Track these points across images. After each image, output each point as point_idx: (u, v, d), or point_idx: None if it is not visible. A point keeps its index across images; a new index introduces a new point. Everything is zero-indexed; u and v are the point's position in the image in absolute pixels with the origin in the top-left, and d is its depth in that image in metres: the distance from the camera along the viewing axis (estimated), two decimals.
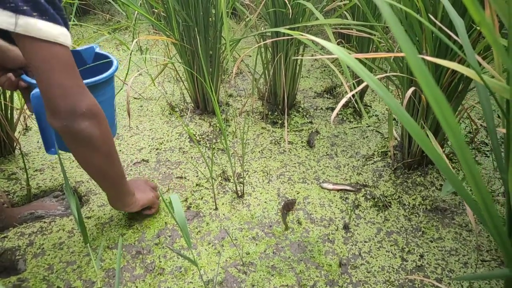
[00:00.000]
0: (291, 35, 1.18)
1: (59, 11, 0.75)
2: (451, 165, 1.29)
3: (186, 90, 1.58)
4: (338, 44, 1.60)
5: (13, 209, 1.07)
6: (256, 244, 1.02)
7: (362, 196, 1.19)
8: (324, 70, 1.98)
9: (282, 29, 1.16)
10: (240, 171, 1.27)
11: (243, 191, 1.18)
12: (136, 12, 1.68)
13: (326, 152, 1.38)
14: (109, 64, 1.04)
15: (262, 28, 1.76)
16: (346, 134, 1.49)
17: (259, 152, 1.38)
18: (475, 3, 0.41)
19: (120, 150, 1.37)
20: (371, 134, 1.49)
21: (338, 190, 1.21)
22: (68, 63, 0.77)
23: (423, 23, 0.76)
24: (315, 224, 1.09)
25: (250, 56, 2.08)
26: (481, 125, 1.51)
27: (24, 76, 0.91)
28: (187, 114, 1.57)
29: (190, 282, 0.92)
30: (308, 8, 1.30)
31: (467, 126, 1.52)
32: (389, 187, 1.22)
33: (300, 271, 0.96)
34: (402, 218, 1.11)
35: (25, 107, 1.27)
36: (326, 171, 1.29)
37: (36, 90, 0.88)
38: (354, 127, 1.53)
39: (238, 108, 1.62)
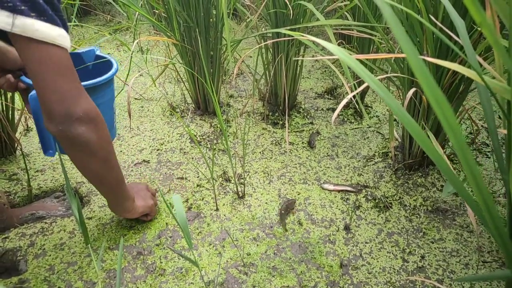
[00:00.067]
0: (292, 36, 1.18)
1: (58, 12, 0.74)
2: (452, 166, 1.29)
3: (187, 90, 1.59)
4: (338, 45, 1.60)
5: (14, 210, 1.08)
6: (257, 245, 1.02)
7: (363, 197, 1.19)
8: (325, 70, 1.98)
9: (283, 30, 1.16)
10: (241, 172, 1.27)
11: (244, 191, 1.18)
12: (137, 13, 1.69)
13: (327, 153, 1.38)
14: (109, 66, 1.04)
15: (263, 29, 1.76)
16: (347, 135, 1.49)
17: (260, 152, 1.38)
18: (476, 4, 0.41)
19: (121, 151, 1.37)
20: (372, 135, 1.49)
21: (339, 191, 1.21)
22: (65, 65, 0.75)
23: (424, 24, 0.76)
24: (316, 225, 1.09)
25: (251, 56, 2.08)
26: (482, 126, 1.51)
27: (23, 78, 0.91)
28: (188, 114, 1.57)
29: (191, 283, 0.92)
30: (309, 9, 1.30)
31: (468, 127, 1.52)
32: (390, 188, 1.22)
33: (301, 272, 0.96)
34: (403, 219, 1.11)
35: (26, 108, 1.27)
36: (327, 172, 1.29)
37: (34, 92, 0.88)
38: (355, 128, 1.53)
39: (239, 109, 1.62)
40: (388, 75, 1.10)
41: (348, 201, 1.17)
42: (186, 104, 1.64)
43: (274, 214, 1.12)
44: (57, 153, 0.95)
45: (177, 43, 1.38)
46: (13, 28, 0.68)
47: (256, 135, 1.47)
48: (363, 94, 1.66)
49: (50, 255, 0.98)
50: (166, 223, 1.08)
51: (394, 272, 0.96)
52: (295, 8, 1.30)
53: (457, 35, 0.80)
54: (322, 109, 1.64)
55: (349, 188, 1.21)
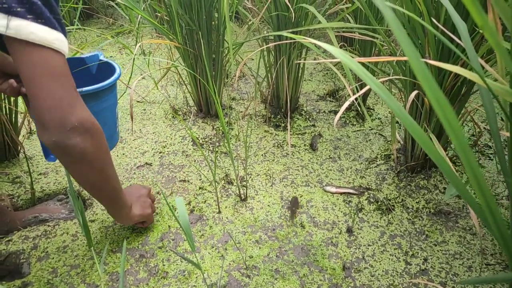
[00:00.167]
0: (294, 39, 1.18)
1: (56, 15, 0.71)
2: (455, 168, 1.29)
3: (189, 93, 1.59)
4: (340, 47, 1.60)
5: (17, 213, 1.08)
6: (260, 248, 1.02)
7: (366, 199, 1.19)
8: (327, 73, 1.98)
9: (284, 33, 1.16)
10: (243, 175, 1.27)
11: (246, 194, 1.19)
12: (139, 16, 1.69)
13: (329, 155, 1.38)
14: (113, 71, 1.04)
15: (265, 32, 1.76)
16: (349, 137, 1.49)
17: (262, 155, 1.38)
18: (478, 7, 0.41)
19: (124, 154, 1.37)
20: (374, 137, 1.49)
21: (341, 194, 1.21)
22: (61, 70, 0.71)
23: (425, 26, 0.76)
24: (318, 227, 1.09)
25: (253, 59, 2.09)
26: (484, 128, 1.51)
27: None
28: (190, 117, 1.58)
29: (194, 285, 0.92)
30: (310, 12, 1.30)
31: (470, 129, 1.52)
32: (392, 191, 1.22)
33: (304, 274, 0.95)
34: (406, 222, 1.11)
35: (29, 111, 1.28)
36: (329, 174, 1.29)
37: None
38: (357, 130, 1.53)
39: (241, 111, 1.63)
40: (390, 77, 1.10)
41: (350, 203, 1.17)
42: (188, 107, 1.64)
43: (276, 216, 1.12)
44: None
45: (179, 46, 1.39)
46: (8, 30, 0.65)
47: (258, 137, 1.47)
48: (365, 96, 1.66)
49: (53, 258, 0.98)
50: (169, 226, 1.08)
51: (397, 274, 0.96)
52: (297, 11, 1.30)
53: (459, 38, 0.80)
54: (324, 112, 1.64)
55: (351, 191, 1.21)
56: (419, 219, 1.12)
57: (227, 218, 1.11)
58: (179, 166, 1.32)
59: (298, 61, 1.45)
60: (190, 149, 1.40)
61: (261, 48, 1.42)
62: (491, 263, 0.98)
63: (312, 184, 1.25)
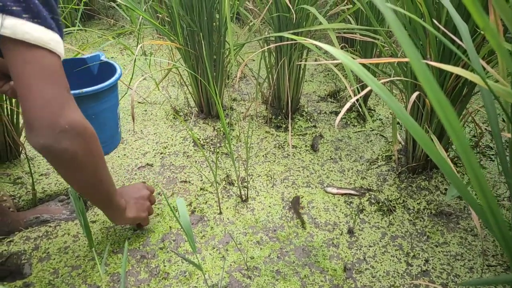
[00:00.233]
0: (295, 40, 1.18)
1: (55, 15, 0.69)
2: (456, 169, 1.29)
3: (190, 94, 1.59)
4: (341, 48, 1.60)
5: (18, 213, 1.08)
6: (261, 249, 1.02)
7: (367, 200, 1.19)
8: (328, 74, 1.99)
9: (286, 34, 1.17)
10: (244, 175, 1.27)
11: (247, 195, 1.19)
12: (141, 17, 1.70)
13: (330, 156, 1.38)
14: (113, 71, 1.04)
15: (266, 33, 1.76)
16: (350, 138, 1.49)
17: (263, 156, 1.38)
18: (479, 8, 0.41)
19: (125, 154, 1.37)
20: (375, 138, 1.48)
21: (342, 194, 1.21)
22: (54, 70, 0.68)
23: (427, 28, 0.76)
24: (320, 228, 1.09)
25: (254, 60, 2.09)
26: (485, 129, 1.51)
27: None
28: (191, 118, 1.58)
29: (195, 286, 0.92)
30: (311, 13, 1.30)
31: (471, 130, 1.52)
32: (393, 192, 1.22)
33: (305, 275, 0.95)
34: (407, 223, 1.11)
35: None
36: (330, 175, 1.29)
37: None
38: (358, 131, 1.52)
39: (242, 112, 1.63)
40: (391, 78, 1.10)
41: (351, 204, 1.17)
42: (190, 108, 1.64)
43: (277, 217, 1.12)
44: None
45: (181, 47, 1.39)
46: (2, 29, 0.63)
47: (259, 138, 1.47)
48: (366, 97, 1.66)
49: (54, 259, 0.98)
50: (170, 227, 1.08)
51: (398, 276, 0.95)
52: (298, 12, 1.30)
53: (460, 39, 0.80)
54: (325, 113, 1.64)
55: (352, 192, 1.21)
56: (420, 220, 1.12)
57: (228, 219, 1.12)
58: (180, 167, 1.32)
59: (299, 62, 1.45)
60: (191, 150, 1.40)
61: (262, 49, 1.42)
62: (493, 264, 0.98)
63: (313, 185, 1.25)
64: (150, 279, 0.94)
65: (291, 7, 1.24)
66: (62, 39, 0.71)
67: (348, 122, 1.58)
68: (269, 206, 1.16)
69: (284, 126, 1.54)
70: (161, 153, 1.39)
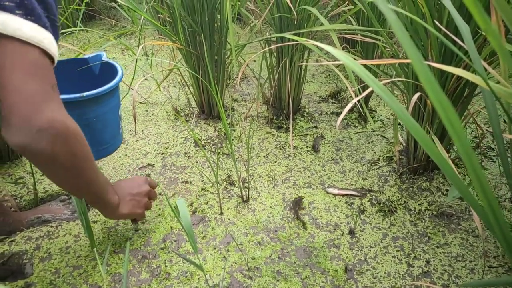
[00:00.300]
0: (296, 41, 1.18)
1: (50, 15, 0.67)
2: (457, 170, 1.28)
3: (191, 95, 1.59)
4: (343, 49, 1.60)
5: (20, 213, 1.08)
6: (262, 249, 1.02)
7: (368, 201, 1.19)
8: (329, 74, 1.99)
9: (287, 35, 1.17)
10: (245, 176, 1.27)
11: (248, 195, 1.19)
12: (142, 17, 1.70)
13: (331, 157, 1.38)
14: (115, 72, 1.04)
15: (267, 34, 1.76)
16: (351, 139, 1.49)
17: (264, 156, 1.38)
18: (480, 9, 0.41)
19: (126, 155, 1.38)
20: (376, 139, 1.48)
21: (343, 195, 1.21)
22: (41, 66, 0.64)
23: (428, 29, 0.76)
24: (321, 229, 1.09)
25: (255, 61, 2.09)
26: (487, 130, 1.50)
27: None
28: (192, 118, 1.58)
29: (196, 287, 0.92)
30: (313, 14, 1.31)
31: (473, 131, 1.52)
32: (394, 192, 1.22)
33: (306, 276, 0.95)
34: (408, 224, 1.11)
35: None
36: (331, 176, 1.29)
37: None
38: (359, 132, 1.52)
39: (243, 113, 1.63)
40: (393, 79, 1.10)
41: (352, 205, 1.17)
42: (191, 108, 1.64)
43: (278, 218, 1.12)
44: None
45: (182, 48, 1.39)
46: None
47: (260, 139, 1.48)
48: (367, 98, 1.66)
49: (55, 259, 0.99)
50: (171, 227, 1.08)
51: (399, 277, 0.95)
52: (299, 13, 1.30)
53: (462, 40, 0.80)
54: (326, 113, 1.64)
55: (353, 192, 1.21)
56: (422, 221, 1.12)
57: (229, 219, 1.12)
58: (181, 167, 1.32)
59: (301, 63, 1.45)
60: (192, 150, 1.40)
61: (263, 50, 1.42)
62: (494, 266, 0.98)
63: (314, 186, 1.25)
64: (151, 279, 0.94)
65: (292, 8, 1.24)
66: (57, 41, 0.69)
67: (349, 123, 1.58)
68: (270, 207, 1.16)
69: (285, 126, 1.54)
70: (162, 154, 1.39)
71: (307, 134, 1.51)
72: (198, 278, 0.94)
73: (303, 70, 1.51)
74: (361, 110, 1.59)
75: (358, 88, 1.22)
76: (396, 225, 1.10)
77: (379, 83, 0.50)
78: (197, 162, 1.35)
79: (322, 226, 1.10)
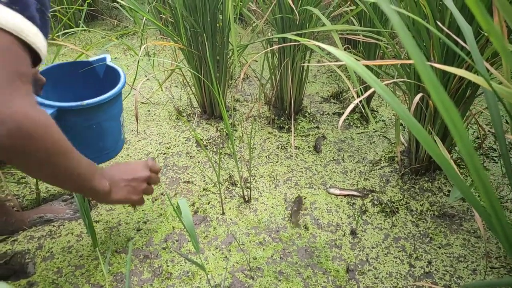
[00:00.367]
0: (298, 41, 1.18)
1: (42, 7, 0.63)
2: (459, 171, 1.28)
3: (193, 95, 1.59)
4: (345, 49, 1.60)
5: (22, 213, 1.09)
6: (263, 249, 1.03)
7: (369, 201, 1.19)
8: (331, 75, 1.99)
9: (289, 35, 1.17)
10: (247, 176, 1.27)
11: (250, 196, 1.19)
12: (144, 17, 1.70)
13: (333, 157, 1.38)
14: (117, 77, 1.04)
15: (269, 34, 1.76)
16: (353, 139, 1.49)
17: (266, 157, 1.38)
18: (483, 10, 0.41)
19: (128, 155, 1.38)
20: (378, 139, 1.48)
21: (345, 196, 1.21)
22: (13, 53, 0.58)
23: (430, 29, 0.76)
24: (322, 229, 1.09)
25: (257, 61, 2.09)
26: (489, 130, 1.50)
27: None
28: (194, 119, 1.58)
29: (198, 286, 0.92)
30: (315, 14, 1.31)
31: (475, 132, 1.52)
32: (396, 193, 1.22)
33: (307, 276, 0.95)
34: (410, 224, 1.11)
35: None
36: (333, 176, 1.29)
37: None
38: (361, 132, 1.52)
39: (245, 113, 1.63)
40: (395, 80, 1.10)
41: (354, 205, 1.17)
42: (193, 108, 1.65)
43: (280, 218, 1.12)
44: None
45: (184, 48, 1.40)
46: None
47: (262, 139, 1.48)
48: (369, 98, 1.66)
49: (58, 258, 0.99)
50: (173, 227, 1.09)
51: (401, 277, 0.95)
52: (301, 13, 1.30)
53: (464, 41, 0.80)
54: (328, 114, 1.64)
55: (355, 193, 1.21)
56: (423, 221, 1.12)
57: (231, 219, 1.12)
58: (183, 167, 1.32)
59: (303, 64, 1.45)
60: (194, 151, 1.41)
61: (265, 50, 1.42)
62: (496, 266, 0.98)
63: (316, 186, 1.25)
64: (153, 279, 0.94)
65: (294, 8, 1.25)
66: (47, 37, 0.65)
67: (351, 123, 1.58)
68: (272, 207, 1.16)
69: (287, 127, 1.54)
70: (164, 154, 1.39)
71: (309, 135, 1.51)
72: (200, 278, 0.94)
73: (305, 70, 1.51)
74: (363, 111, 1.59)
75: (360, 89, 1.22)
76: (397, 226, 1.10)
77: (381, 84, 0.50)
78: (199, 162, 1.35)
79: (324, 227, 1.10)
